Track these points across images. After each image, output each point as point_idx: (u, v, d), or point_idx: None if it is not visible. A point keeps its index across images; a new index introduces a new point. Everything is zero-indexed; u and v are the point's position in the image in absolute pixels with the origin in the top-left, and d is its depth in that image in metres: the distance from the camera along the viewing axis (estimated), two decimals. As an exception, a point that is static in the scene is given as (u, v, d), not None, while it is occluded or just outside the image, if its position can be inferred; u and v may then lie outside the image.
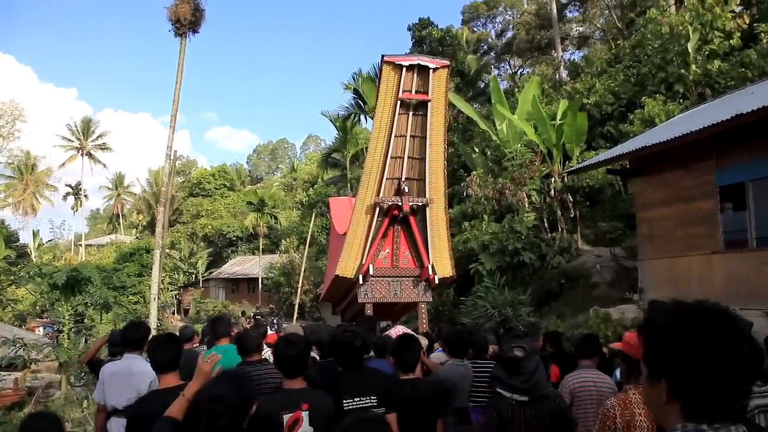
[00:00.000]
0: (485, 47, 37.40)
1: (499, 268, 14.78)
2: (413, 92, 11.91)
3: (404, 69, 11.67)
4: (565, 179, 16.69)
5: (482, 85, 29.31)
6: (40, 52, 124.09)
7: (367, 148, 14.41)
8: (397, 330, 5.50)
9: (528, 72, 34.82)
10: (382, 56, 11.76)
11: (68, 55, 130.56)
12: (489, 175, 17.36)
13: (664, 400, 1.17)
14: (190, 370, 2.73)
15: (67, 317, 14.81)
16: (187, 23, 14.04)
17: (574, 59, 34.15)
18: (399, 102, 11.78)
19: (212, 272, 43.27)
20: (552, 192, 16.88)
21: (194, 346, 6.71)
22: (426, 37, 26.26)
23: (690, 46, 15.77)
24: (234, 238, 47.28)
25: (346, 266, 12.65)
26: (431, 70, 11.94)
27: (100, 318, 18.53)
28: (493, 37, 39.54)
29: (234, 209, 49.13)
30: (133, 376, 3.76)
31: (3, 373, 13.60)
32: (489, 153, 19.38)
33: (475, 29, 37.73)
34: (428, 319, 13.42)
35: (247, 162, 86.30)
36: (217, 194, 52.16)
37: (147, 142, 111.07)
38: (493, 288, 13.80)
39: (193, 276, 43.09)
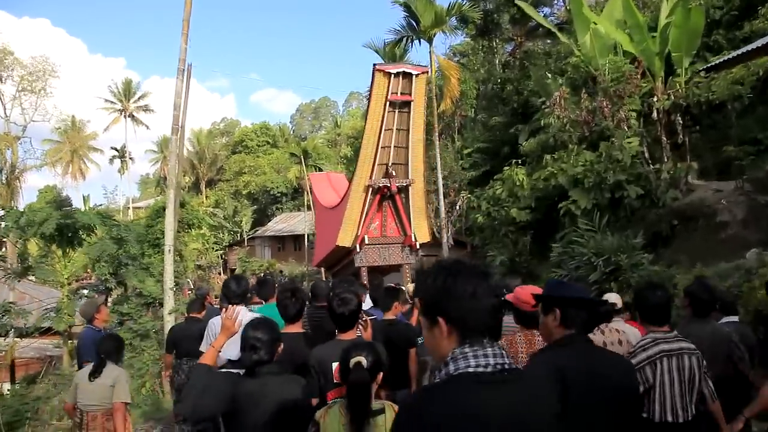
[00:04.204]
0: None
1: (597, 207, 11.78)
2: (399, 94, 14.18)
3: (392, 75, 14.00)
4: (671, 96, 13.29)
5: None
6: (89, 24, 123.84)
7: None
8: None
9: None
10: (374, 65, 14.17)
11: (116, 25, 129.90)
12: (574, 97, 14.15)
13: (444, 335, 1.51)
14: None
15: (108, 276, 12.94)
16: None
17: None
18: (388, 102, 14.06)
19: (257, 230, 41.67)
20: (654, 113, 13.56)
21: (211, 303, 7.66)
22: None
23: None
24: (278, 195, 45.41)
25: (344, 237, 15.23)
26: (414, 76, 14.28)
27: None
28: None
29: (277, 165, 47.08)
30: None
31: (32, 339, 11.86)
32: (569, 72, 16.07)
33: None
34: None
35: (290, 121, 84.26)
36: (260, 151, 50.23)
37: (193, 106, 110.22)
38: (592, 231, 10.87)
39: (238, 235, 41.64)
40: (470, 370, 1.41)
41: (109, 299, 12.27)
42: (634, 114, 13.12)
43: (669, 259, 11.57)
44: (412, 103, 14.43)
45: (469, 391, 1.39)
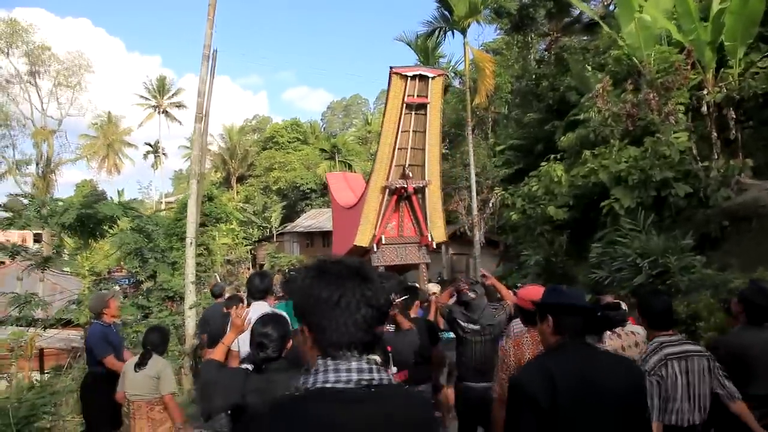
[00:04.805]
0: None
1: (641, 206, 11.04)
2: (416, 96, 14.35)
3: (408, 78, 14.09)
4: (723, 88, 12.39)
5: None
6: (127, 23, 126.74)
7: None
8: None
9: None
10: (391, 68, 14.05)
11: (152, 24, 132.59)
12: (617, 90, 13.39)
13: (309, 344, 1.39)
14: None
15: (138, 269, 12.79)
16: None
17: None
18: (405, 105, 14.29)
19: (286, 226, 41.60)
20: (704, 107, 12.68)
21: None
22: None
23: None
24: (308, 191, 45.24)
25: (362, 237, 15.47)
26: (430, 79, 14.37)
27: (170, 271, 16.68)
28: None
29: (307, 161, 46.95)
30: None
31: (55, 330, 11.78)
32: (610, 66, 15.27)
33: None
34: (536, 273, 14.14)
35: (321, 119, 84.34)
36: (290, 147, 50.20)
37: (226, 103, 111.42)
38: (636, 231, 10.17)
39: (268, 230, 41.66)
40: (328, 385, 1.29)
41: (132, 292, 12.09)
42: (682, 108, 12.29)
43: (719, 262, 10.76)
44: (428, 105, 14.69)
45: (322, 409, 1.27)
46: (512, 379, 2.45)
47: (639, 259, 9.26)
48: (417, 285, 7.71)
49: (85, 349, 5.59)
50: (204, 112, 9.07)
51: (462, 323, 4.74)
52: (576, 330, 2.41)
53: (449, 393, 6.11)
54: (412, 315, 5.26)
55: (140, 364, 4.51)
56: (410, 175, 15.24)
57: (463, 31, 18.13)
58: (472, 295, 4.82)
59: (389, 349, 3.71)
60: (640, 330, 4.10)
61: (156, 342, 4.68)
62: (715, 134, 12.74)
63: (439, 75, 14.93)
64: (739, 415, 3.26)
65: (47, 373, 11.21)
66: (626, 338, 4.05)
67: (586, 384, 2.22)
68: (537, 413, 2.19)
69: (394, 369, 3.36)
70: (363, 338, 1.34)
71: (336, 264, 1.39)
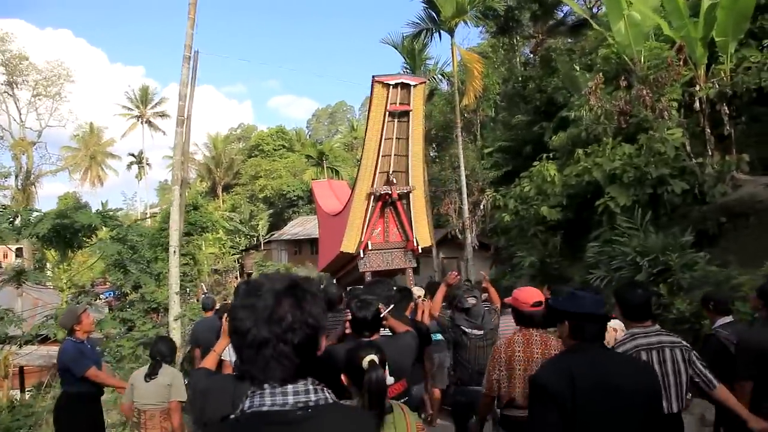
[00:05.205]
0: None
1: (637, 204, 10.82)
2: (398, 104, 14.50)
3: (391, 87, 14.20)
4: (716, 84, 12.25)
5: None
6: (109, 34, 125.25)
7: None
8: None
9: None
10: (373, 77, 14.23)
11: (135, 35, 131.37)
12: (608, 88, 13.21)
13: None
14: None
15: (122, 281, 12.30)
16: None
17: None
18: (387, 113, 14.41)
19: (273, 234, 41.11)
20: (697, 103, 12.53)
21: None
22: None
23: None
24: (294, 198, 44.78)
25: (348, 244, 15.62)
26: (412, 86, 14.55)
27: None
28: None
29: (294, 168, 46.50)
30: None
31: (33, 347, 11.24)
32: (599, 65, 15.13)
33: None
34: (530, 275, 14.11)
35: (306, 126, 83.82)
36: (276, 155, 49.73)
37: (210, 112, 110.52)
38: (634, 229, 9.94)
39: (255, 239, 41.13)
40: (264, 409, 1.27)
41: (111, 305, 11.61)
42: (675, 104, 12.13)
43: (718, 259, 10.57)
44: (410, 112, 14.95)
45: (256, 431, 1.26)
46: (534, 378, 2.49)
47: (639, 258, 9.01)
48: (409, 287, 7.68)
49: (58, 369, 5.17)
50: (186, 115, 8.68)
51: (466, 330, 4.79)
52: (593, 336, 2.46)
53: (436, 393, 6.47)
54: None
55: (150, 374, 4.55)
56: (394, 181, 15.42)
57: (451, 32, 17.90)
58: (472, 301, 4.89)
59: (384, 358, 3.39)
60: (620, 324, 4.32)
61: (164, 352, 4.75)
62: (709, 130, 12.61)
63: (420, 83, 15.27)
64: (721, 402, 3.29)
65: (29, 391, 10.74)
66: (606, 335, 4.05)
67: (604, 385, 2.27)
68: (560, 410, 2.24)
69: (390, 379, 3.01)
70: (283, 374, 1.29)
71: (253, 291, 1.31)
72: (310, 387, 1.31)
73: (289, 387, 1.29)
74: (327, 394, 1.34)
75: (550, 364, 2.57)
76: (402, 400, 2.94)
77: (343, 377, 2.57)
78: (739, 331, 4.18)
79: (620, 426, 2.25)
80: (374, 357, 2.44)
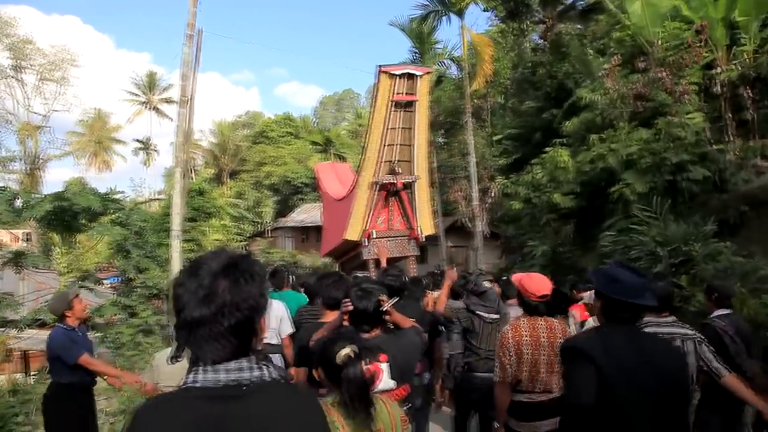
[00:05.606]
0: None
1: (654, 191, 10.41)
2: (404, 94, 14.55)
3: (396, 77, 14.29)
4: (738, 66, 11.77)
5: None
6: (116, 20, 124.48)
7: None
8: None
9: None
10: (379, 66, 14.37)
11: (142, 21, 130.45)
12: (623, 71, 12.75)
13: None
14: None
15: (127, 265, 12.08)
16: None
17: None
18: (392, 102, 14.48)
19: (279, 221, 40.88)
20: (717, 87, 12.06)
21: None
22: None
23: None
24: (300, 185, 44.48)
25: (352, 231, 15.74)
26: (418, 77, 14.59)
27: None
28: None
29: (299, 155, 46.14)
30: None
31: (33, 331, 11.07)
32: (612, 49, 14.64)
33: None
34: (544, 264, 13.59)
35: (313, 114, 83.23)
36: (281, 142, 49.36)
37: (217, 99, 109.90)
38: (653, 218, 9.55)
39: (261, 226, 40.93)
40: (197, 385, 1.26)
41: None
42: (695, 87, 11.67)
43: (741, 249, 10.20)
44: (416, 102, 14.98)
45: (187, 405, 1.24)
46: (566, 344, 2.53)
47: (658, 248, 8.63)
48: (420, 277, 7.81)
49: (47, 357, 4.89)
50: (189, 96, 8.35)
51: (483, 314, 4.72)
52: (624, 320, 2.44)
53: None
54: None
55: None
56: (399, 170, 15.47)
57: (460, 14, 17.41)
58: (487, 284, 4.81)
59: (385, 358, 2.65)
60: None
61: None
62: (730, 115, 12.16)
63: (426, 73, 15.32)
64: (730, 389, 3.33)
65: (33, 374, 10.60)
66: None
67: (638, 359, 2.30)
68: (596, 369, 2.27)
69: (391, 383, 2.58)
70: (220, 353, 1.27)
71: (194, 270, 1.29)
72: (248, 365, 1.28)
73: (224, 365, 1.26)
74: (269, 372, 1.29)
75: (583, 333, 2.71)
76: (405, 407, 2.57)
77: (314, 372, 2.27)
78: (735, 322, 4.30)
79: (653, 401, 2.24)
80: (350, 350, 2.13)
